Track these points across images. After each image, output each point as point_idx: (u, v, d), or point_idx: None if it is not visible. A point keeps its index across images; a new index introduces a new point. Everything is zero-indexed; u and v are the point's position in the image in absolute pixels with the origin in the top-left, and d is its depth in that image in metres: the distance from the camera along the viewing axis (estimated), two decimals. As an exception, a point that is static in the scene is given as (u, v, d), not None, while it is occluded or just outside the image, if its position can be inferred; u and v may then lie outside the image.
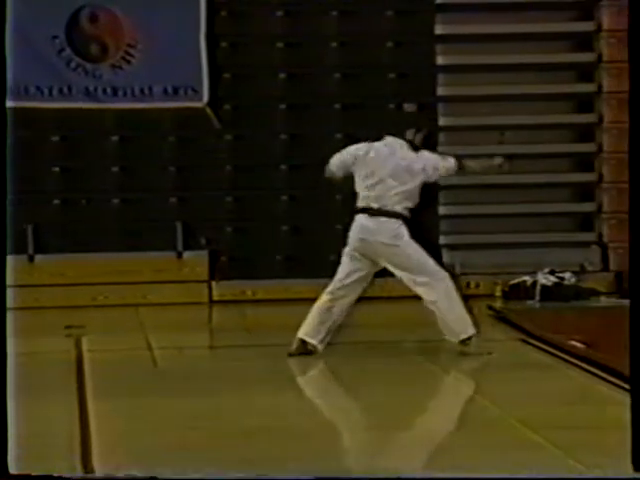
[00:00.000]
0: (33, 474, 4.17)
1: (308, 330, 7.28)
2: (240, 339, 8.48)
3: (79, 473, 4.61)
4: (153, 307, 10.15)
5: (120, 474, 4.55)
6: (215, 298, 10.64)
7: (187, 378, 6.91)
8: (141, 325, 9.20)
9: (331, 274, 10.80)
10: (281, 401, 6.04)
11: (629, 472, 4.22)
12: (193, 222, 10.78)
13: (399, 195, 7.20)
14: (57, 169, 10.61)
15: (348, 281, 7.30)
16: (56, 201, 10.59)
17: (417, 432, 5.43)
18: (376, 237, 7.21)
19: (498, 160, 7.50)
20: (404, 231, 7.19)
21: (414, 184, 7.21)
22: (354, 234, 7.30)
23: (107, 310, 10.03)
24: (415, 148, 7.34)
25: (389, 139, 7.41)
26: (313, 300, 10.64)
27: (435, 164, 7.28)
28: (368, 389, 6.40)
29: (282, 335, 8.53)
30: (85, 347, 7.95)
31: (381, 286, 10.34)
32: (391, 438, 5.32)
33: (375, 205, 7.24)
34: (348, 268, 7.31)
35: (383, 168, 7.28)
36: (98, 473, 4.62)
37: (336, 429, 5.36)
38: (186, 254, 10.72)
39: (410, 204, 7.23)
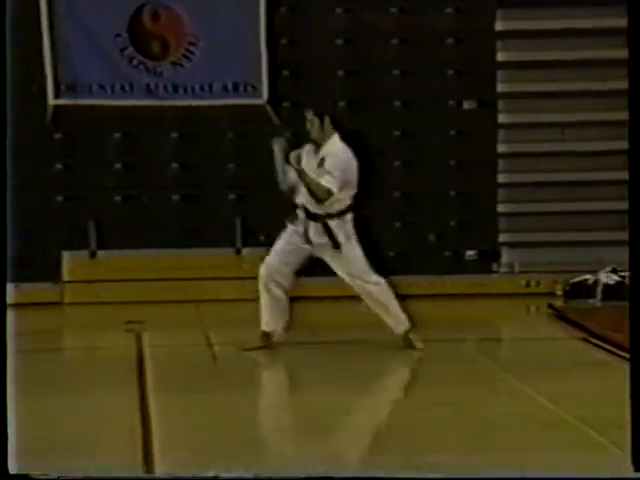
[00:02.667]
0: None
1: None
2: (297, 336, 8.49)
3: (139, 466, 4.64)
4: (212, 303, 10.21)
5: (181, 469, 4.58)
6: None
7: (246, 374, 6.94)
8: (201, 321, 9.25)
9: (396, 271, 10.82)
10: (343, 399, 6.03)
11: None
12: (252, 219, 10.82)
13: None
14: (119, 166, 10.72)
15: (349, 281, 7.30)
16: (117, 197, 10.69)
17: (475, 431, 5.40)
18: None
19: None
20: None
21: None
22: None
23: (167, 306, 10.10)
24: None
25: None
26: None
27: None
28: (427, 388, 6.38)
29: (337, 332, 8.54)
30: (146, 342, 8.02)
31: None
32: (449, 436, 5.29)
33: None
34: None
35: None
36: (159, 467, 4.65)
37: (397, 426, 5.36)
38: (245, 251, 10.77)
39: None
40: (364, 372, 6.87)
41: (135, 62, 10.58)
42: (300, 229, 7.29)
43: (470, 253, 10.80)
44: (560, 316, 9.05)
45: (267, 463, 4.67)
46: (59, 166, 10.65)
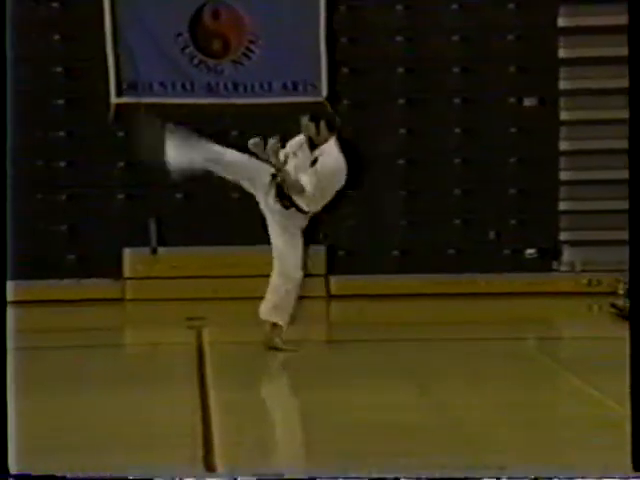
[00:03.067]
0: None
1: None
2: (357, 334, 8.49)
3: (200, 464, 4.67)
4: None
5: (241, 467, 4.60)
6: (333, 292, 10.68)
7: (306, 371, 6.95)
8: (260, 318, 9.27)
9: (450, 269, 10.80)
10: (399, 397, 6.02)
11: None
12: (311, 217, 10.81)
13: None
14: (179, 164, 10.78)
15: None
16: (178, 195, 10.77)
17: (535, 430, 5.37)
18: None
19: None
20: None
21: None
22: None
23: (227, 303, 10.16)
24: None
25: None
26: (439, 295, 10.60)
27: None
28: (487, 388, 6.34)
29: (398, 330, 8.54)
30: (206, 339, 8.07)
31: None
32: (509, 436, 5.26)
33: None
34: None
35: None
36: (219, 465, 4.67)
37: (453, 425, 5.35)
38: (303, 248, 10.77)
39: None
40: (420, 371, 6.85)
41: (196, 61, 10.65)
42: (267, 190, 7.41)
43: (530, 251, 10.72)
44: (623, 315, 8.94)
45: (326, 462, 4.67)
46: (121, 164, 10.76)
